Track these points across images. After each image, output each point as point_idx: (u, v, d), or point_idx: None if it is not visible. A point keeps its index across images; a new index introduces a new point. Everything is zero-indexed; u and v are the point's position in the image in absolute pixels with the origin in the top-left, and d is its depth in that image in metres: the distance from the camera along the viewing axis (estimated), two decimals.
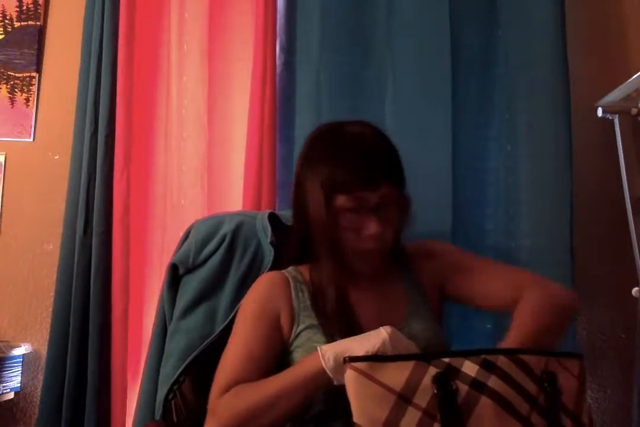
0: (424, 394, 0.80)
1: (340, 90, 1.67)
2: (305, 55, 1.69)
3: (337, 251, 1.07)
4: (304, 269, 1.15)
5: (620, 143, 1.55)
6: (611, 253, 1.66)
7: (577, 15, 1.70)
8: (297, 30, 1.72)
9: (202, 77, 1.77)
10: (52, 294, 1.75)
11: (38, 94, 1.95)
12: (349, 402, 0.81)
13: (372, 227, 1.02)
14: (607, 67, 1.73)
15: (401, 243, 1.17)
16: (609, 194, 1.64)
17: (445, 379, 0.80)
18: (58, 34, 1.97)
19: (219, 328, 1.20)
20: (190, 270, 1.30)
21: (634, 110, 1.54)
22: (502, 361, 0.84)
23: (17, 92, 1.94)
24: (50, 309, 1.74)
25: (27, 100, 1.94)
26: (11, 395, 1.79)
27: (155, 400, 1.23)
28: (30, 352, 1.83)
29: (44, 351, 1.77)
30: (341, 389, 0.84)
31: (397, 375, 0.80)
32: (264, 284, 1.13)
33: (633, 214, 1.52)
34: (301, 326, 1.07)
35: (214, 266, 1.28)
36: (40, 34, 1.96)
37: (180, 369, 1.20)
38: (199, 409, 1.11)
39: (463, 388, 0.81)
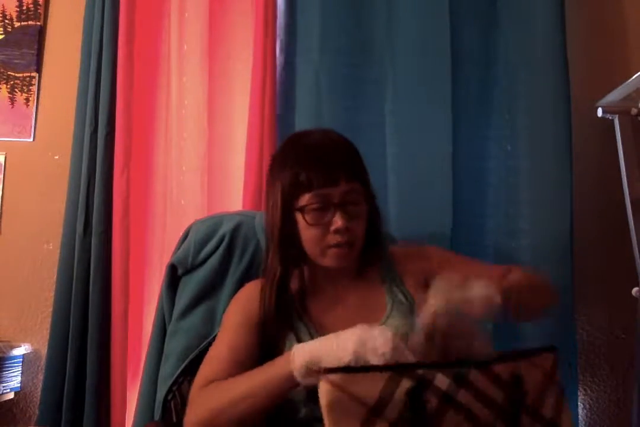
0: (395, 407, 0.81)
1: (340, 90, 1.67)
2: (305, 55, 1.69)
3: (292, 255, 1.10)
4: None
5: (620, 143, 1.54)
6: (611, 253, 1.66)
7: (577, 15, 1.70)
8: (297, 30, 1.73)
9: (202, 77, 1.77)
10: (52, 294, 1.75)
11: (38, 94, 1.95)
12: None
13: (337, 221, 1.05)
14: (607, 67, 1.72)
15: (384, 245, 1.19)
16: (609, 194, 1.64)
17: (418, 393, 0.81)
18: (58, 34, 1.97)
19: (218, 328, 1.20)
20: (189, 270, 1.30)
21: (634, 110, 1.54)
22: (473, 374, 0.84)
23: (17, 92, 1.94)
24: (50, 309, 1.75)
25: (27, 100, 1.94)
26: (11, 395, 1.79)
27: (154, 400, 1.23)
28: (30, 352, 1.84)
29: (44, 351, 1.77)
30: None
31: (370, 387, 0.81)
32: (244, 294, 1.16)
33: (633, 214, 1.52)
34: (287, 330, 1.09)
35: (213, 266, 1.28)
36: (40, 34, 1.96)
37: (180, 370, 1.20)
38: None
39: (433, 401, 0.82)
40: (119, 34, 1.75)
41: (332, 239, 1.06)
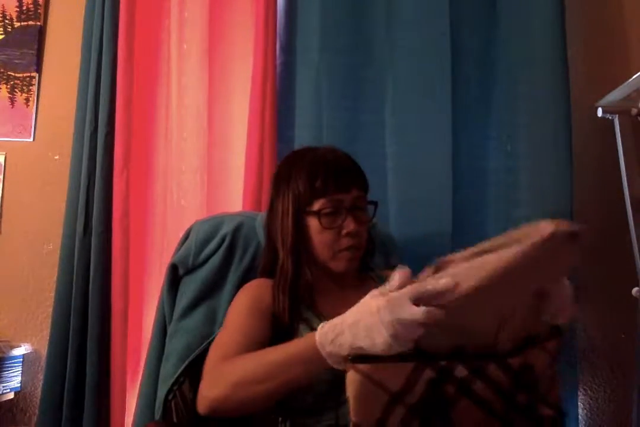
0: (416, 394, 0.83)
1: (340, 90, 1.67)
2: (305, 55, 1.70)
3: (304, 258, 1.15)
4: None
5: (620, 143, 1.54)
6: (611, 253, 1.66)
7: (577, 15, 1.70)
8: (297, 30, 1.73)
9: (202, 76, 1.77)
10: (52, 294, 1.75)
11: (38, 94, 1.95)
12: (339, 395, 0.83)
13: (350, 225, 1.12)
14: (607, 67, 1.73)
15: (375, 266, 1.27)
16: (609, 194, 1.63)
17: (439, 384, 0.83)
18: (58, 34, 1.97)
19: (218, 328, 1.20)
20: (190, 270, 1.30)
21: (634, 110, 1.53)
22: (491, 367, 0.86)
23: (17, 92, 1.94)
24: (50, 309, 1.75)
25: (27, 100, 1.94)
26: (11, 395, 1.79)
27: (155, 400, 1.23)
28: (30, 352, 1.84)
29: (44, 351, 1.77)
30: (332, 382, 0.87)
31: (395, 375, 0.82)
32: (254, 286, 1.18)
33: (633, 214, 1.51)
34: (296, 325, 1.10)
35: (214, 267, 1.28)
36: (40, 34, 1.96)
37: (180, 370, 1.20)
38: None
39: (450, 389, 0.84)
40: (119, 34, 1.75)
41: (345, 242, 1.13)
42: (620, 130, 1.55)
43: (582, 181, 1.62)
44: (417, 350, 0.81)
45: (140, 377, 1.38)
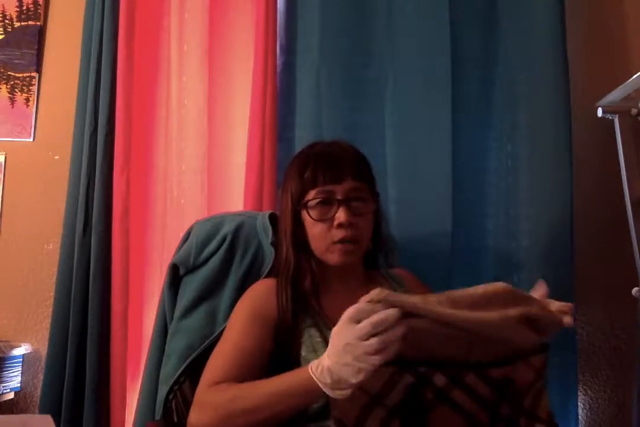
0: (395, 397, 0.85)
1: (340, 90, 1.67)
2: (305, 55, 1.70)
3: (305, 253, 1.16)
4: None
5: (620, 143, 1.54)
6: (611, 253, 1.66)
7: (577, 15, 1.70)
8: (297, 30, 1.73)
9: (202, 77, 1.76)
10: (52, 294, 1.75)
11: (38, 94, 1.95)
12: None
13: (341, 216, 1.10)
14: (607, 67, 1.73)
15: (391, 250, 1.27)
16: (609, 194, 1.64)
17: (418, 389, 0.85)
18: (58, 34, 1.97)
19: (219, 328, 1.20)
20: (191, 270, 1.30)
21: (634, 110, 1.54)
22: (470, 377, 0.87)
23: (17, 92, 1.94)
24: (50, 309, 1.74)
25: (27, 100, 1.94)
26: (11, 395, 1.79)
27: (155, 400, 1.23)
28: (30, 352, 1.83)
29: (44, 351, 1.77)
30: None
31: (375, 379, 0.84)
32: (259, 289, 1.17)
33: (633, 214, 1.51)
34: (304, 324, 1.10)
35: (214, 266, 1.28)
36: (40, 34, 1.96)
37: (181, 369, 1.20)
38: None
39: (429, 395, 0.86)
40: (119, 34, 1.75)
41: (337, 234, 1.11)
42: (620, 131, 1.55)
43: (582, 181, 1.62)
44: (396, 356, 0.83)
45: (140, 377, 1.38)
